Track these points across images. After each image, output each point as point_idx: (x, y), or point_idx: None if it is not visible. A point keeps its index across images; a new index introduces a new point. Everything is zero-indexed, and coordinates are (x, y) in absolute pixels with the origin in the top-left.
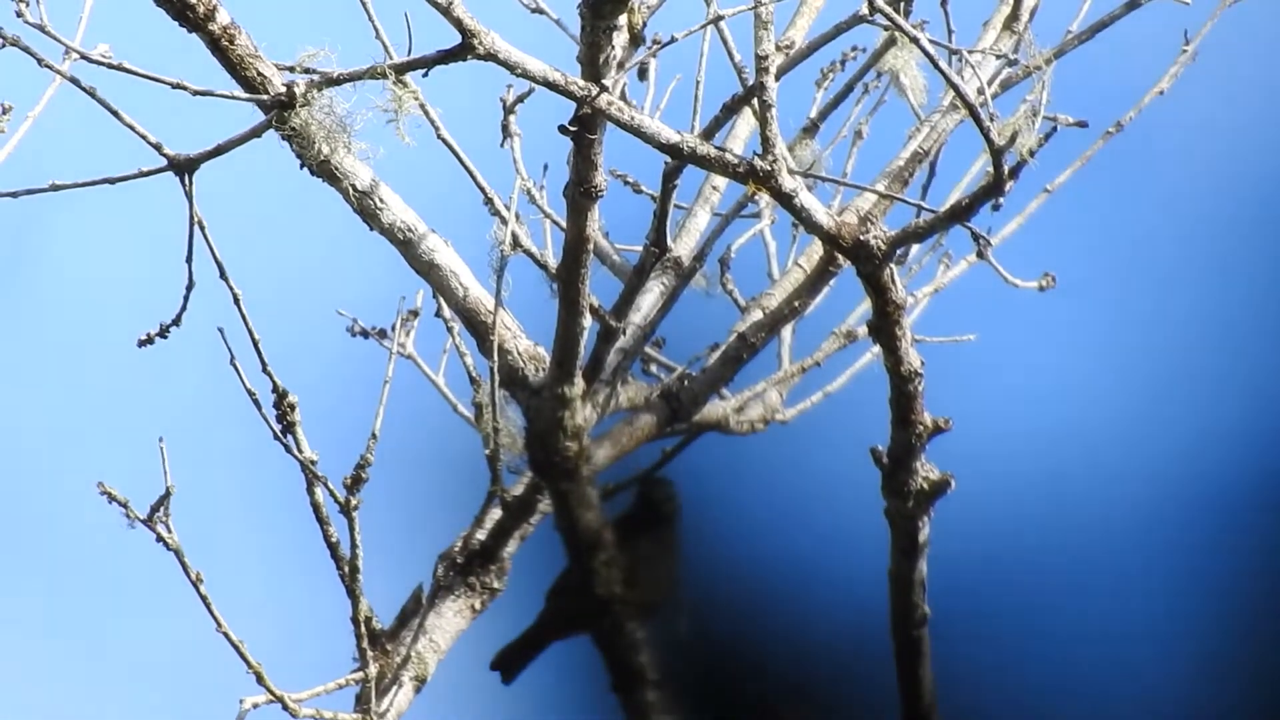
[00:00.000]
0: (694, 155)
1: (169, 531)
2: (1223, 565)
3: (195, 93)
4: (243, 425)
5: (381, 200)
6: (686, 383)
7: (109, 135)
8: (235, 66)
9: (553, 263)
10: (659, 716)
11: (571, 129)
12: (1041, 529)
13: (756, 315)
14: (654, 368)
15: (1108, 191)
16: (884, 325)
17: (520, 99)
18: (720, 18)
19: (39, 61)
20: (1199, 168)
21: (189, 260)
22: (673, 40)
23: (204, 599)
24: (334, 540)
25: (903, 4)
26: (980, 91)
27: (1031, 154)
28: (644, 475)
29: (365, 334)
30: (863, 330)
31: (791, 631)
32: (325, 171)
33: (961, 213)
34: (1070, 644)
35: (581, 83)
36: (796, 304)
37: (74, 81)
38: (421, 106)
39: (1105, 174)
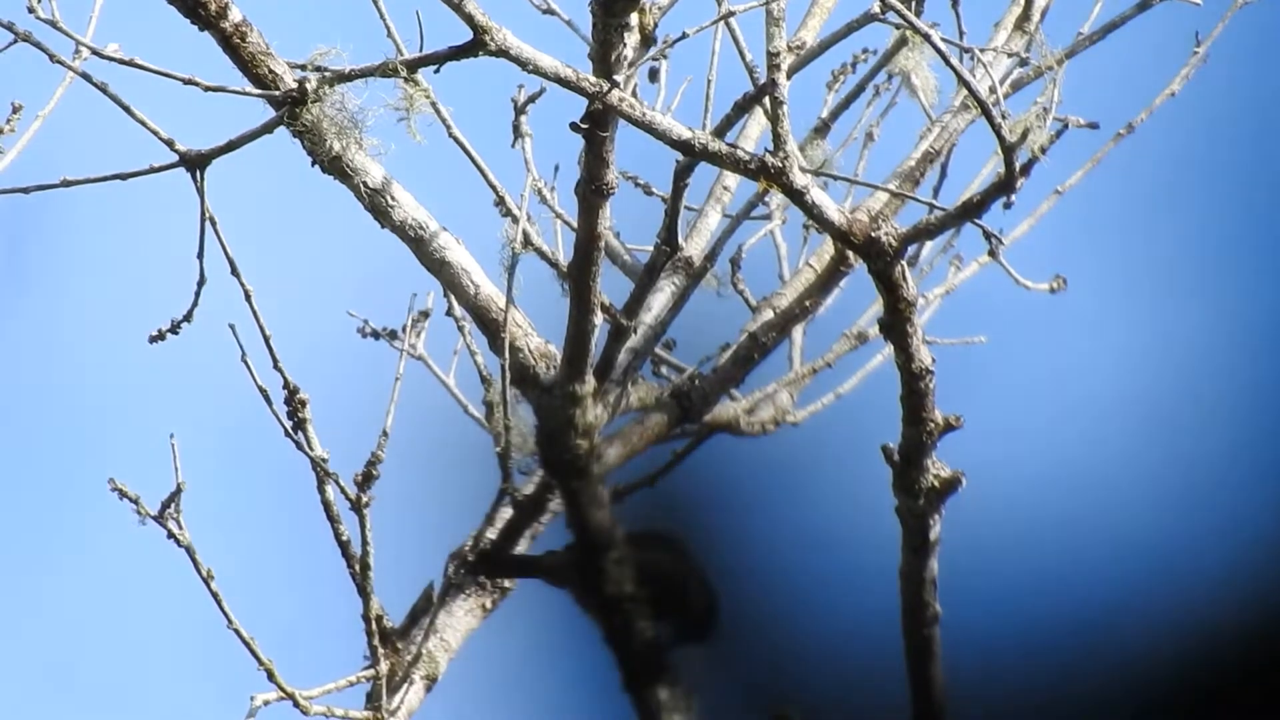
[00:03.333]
0: (706, 152)
1: (180, 528)
2: (1233, 567)
3: (207, 89)
4: (254, 422)
5: (393, 197)
6: (697, 383)
7: (121, 131)
8: (247, 63)
9: (564, 261)
10: (670, 715)
11: (583, 126)
12: (1052, 528)
13: (767, 315)
14: (664, 369)
15: (1119, 193)
16: (895, 323)
17: (532, 99)
18: (731, 14)
19: (51, 58)
20: (1210, 170)
21: (200, 256)
22: (684, 36)
23: (215, 596)
24: (345, 538)
25: (914, 3)
26: (992, 90)
27: (1043, 151)
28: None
29: (376, 335)
30: (874, 331)
31: (802, 630)
32: (336, 168)
33: (973, 209)
34: (1080, 644)
35: (593, 79)
36: (807, 304)
37: (86, 77)
38: (433, 104)
39: (1116, 176)
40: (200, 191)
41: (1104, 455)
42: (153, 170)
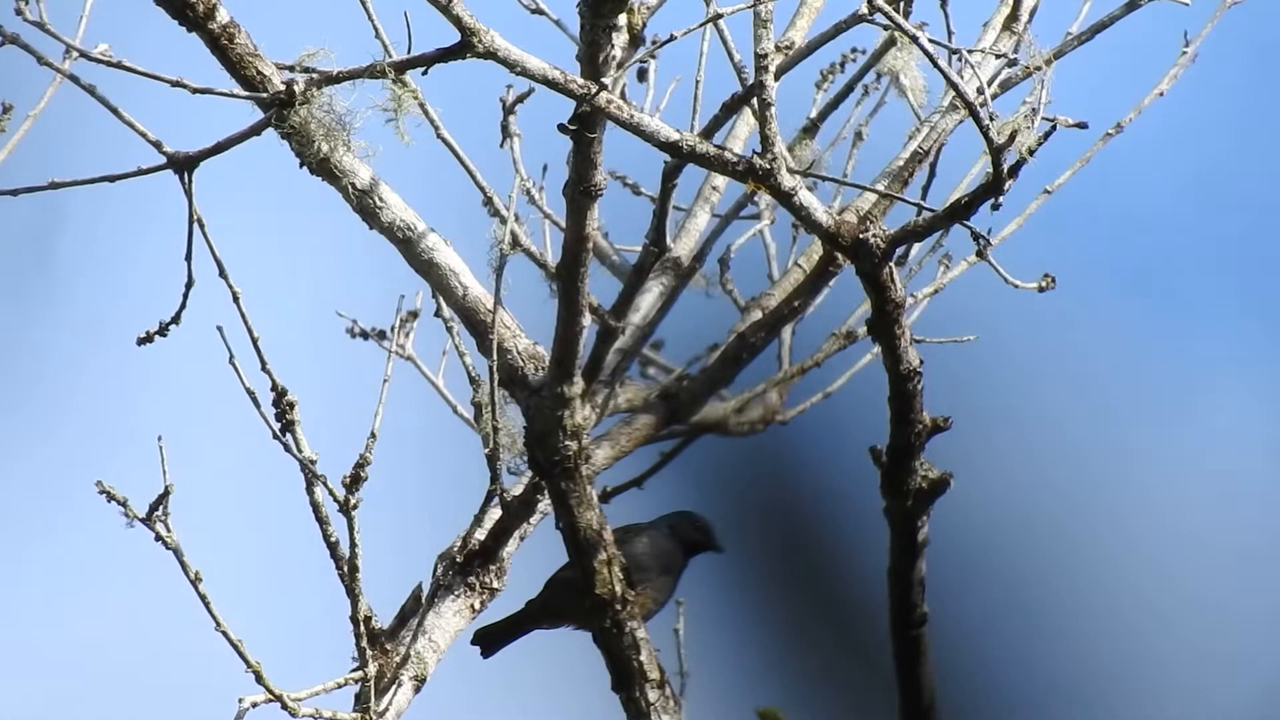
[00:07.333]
0: (693, 153)
1: (168, 530)
2: (1225, 560)
3: (195, 91)
4: (242, 424)
5: (381, 199)
6: (686, 383)
7: (109, 133)
8: (235, 65)
9: (552, 262)
10: (660, 716)
11: (571, 127)
12: (1041, 528)
13: (756, 315)
14: (653, 369)
15: (1107, 193)
16: (883, 324)
17: (520, 99)
18: (719, 16)
19: (39, 60)
20: (1198, 169)
21: (188, 258)
22: (672, 38)
23: (203, 598)
24: (333, 539)
25: (902, 4)
26: (980, 91)
27: (1031, 153)
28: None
29: (365, 335)
30: (862, 331)
31: (791, 630)
32: (324, 170)
33: (961, 211)
34: (1069, 642)
35: (581, 81)
36: (796, 304)
37: (74, 79)
38: (421, 105)
39: (1105, 175)
40: (188, 193)
41: (1092, 451)
42: (140, 172)
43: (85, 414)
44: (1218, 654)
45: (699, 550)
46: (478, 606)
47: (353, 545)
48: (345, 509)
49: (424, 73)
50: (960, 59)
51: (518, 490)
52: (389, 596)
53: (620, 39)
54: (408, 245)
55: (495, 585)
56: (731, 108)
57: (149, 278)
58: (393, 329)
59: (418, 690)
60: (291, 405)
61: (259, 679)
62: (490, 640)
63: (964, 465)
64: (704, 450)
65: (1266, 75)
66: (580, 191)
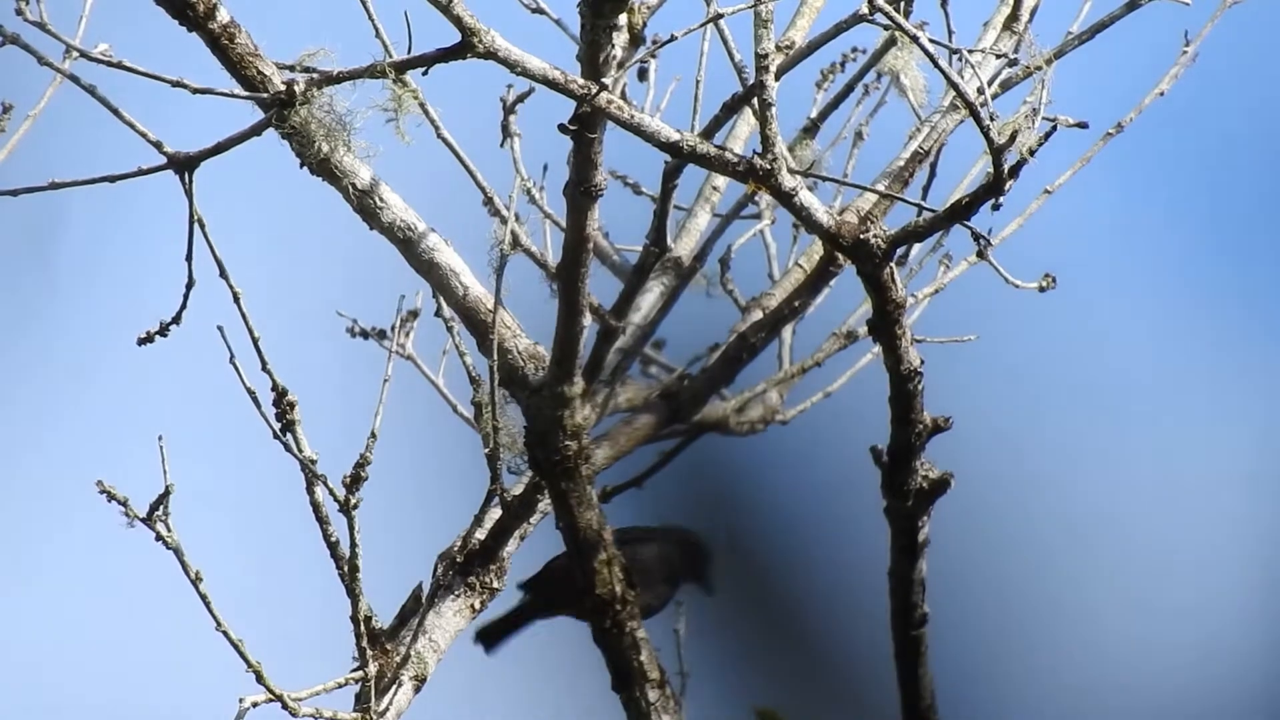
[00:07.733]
0: (694, 154)
1: (168, 530)
2: (1227, 560)
3: (195, 91)
4: (242, 424)
5: (381, 199)
6: (686, 383)
7: (109, 133)
8: (235, 65)
9: (552, 262)
10: (660, 716)
11: (571, 128)
12: (1041, 528)
13: (756, 315)
14: (653, 368)
15: (1108, 193)
16: (884, 324)
17: (520, 99)
18: (720, 16)
19: (39, 60)
20: (1199, 169)
21: (189, 259)
22: (672, 39)
23: (203, 597)
24: (333, 539)
25: (903, 3)
26: (980, 91)
27: (1031, 153)
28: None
29: (365, 334)
30: (863, 330)
31: (791, 631)
32: (325, 170)
33: (961, 212)
34: (1068, 643)
35: (581, 81)
36: (797, 304)
37: (74, 79)
38: (421, 105)
39: (1105, 175)
40: (189, 193)
41: (1091, 452)
42: (141, 172)
43: (85, 414)
44: (1220, 654)
45: (693, 579)
46: (478, 606)
47: (353, 545)
48: (345, 509)
49: (424, 73)
50: (961, 59)
51: (518, 490)
52: (389, 596)
53: (621, 39)
54: (408, 245)
55: (495, 585)
56: (732, 108)
57: (149, 278)
58: (393, 329)
59: (418, 690)
60: (291, 405)
61: (259, 679)
62: (492, 637)
63: (964, 465)
64: (704, 450)
65: (1267, 75)
66: (581, 191)
